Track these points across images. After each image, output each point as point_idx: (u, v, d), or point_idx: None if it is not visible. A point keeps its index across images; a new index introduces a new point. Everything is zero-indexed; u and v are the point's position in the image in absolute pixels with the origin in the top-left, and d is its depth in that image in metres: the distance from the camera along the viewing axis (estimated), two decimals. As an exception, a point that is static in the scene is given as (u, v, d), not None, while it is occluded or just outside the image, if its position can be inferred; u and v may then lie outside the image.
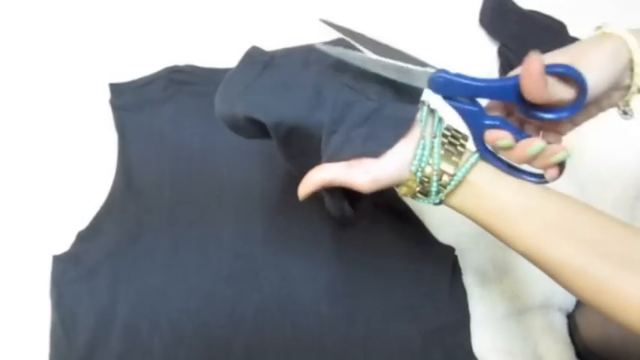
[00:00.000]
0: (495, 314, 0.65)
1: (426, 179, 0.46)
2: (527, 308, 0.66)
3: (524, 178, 0.46)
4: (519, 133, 0.45)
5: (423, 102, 0.49)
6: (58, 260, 0.63)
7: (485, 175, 0.46)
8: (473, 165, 0.45)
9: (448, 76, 0.46)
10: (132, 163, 0.70)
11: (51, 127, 0.73)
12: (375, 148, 0.46)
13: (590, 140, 0.78)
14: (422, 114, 0.48)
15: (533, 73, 0.41)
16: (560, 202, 0.44)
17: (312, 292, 0.65)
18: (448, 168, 0.45)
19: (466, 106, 0.46)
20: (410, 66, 0.47)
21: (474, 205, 0.46)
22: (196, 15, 0.85)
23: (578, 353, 0.65)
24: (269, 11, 0.88)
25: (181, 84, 0.77)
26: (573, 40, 0.87)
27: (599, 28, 0.47)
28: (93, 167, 0.71)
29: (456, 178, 0.45)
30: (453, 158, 0.45)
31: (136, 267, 0.64)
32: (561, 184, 0.73)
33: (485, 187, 0.45)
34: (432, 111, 0.49)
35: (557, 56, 0.45)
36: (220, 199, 0.69)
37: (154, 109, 0.75)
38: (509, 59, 0.85)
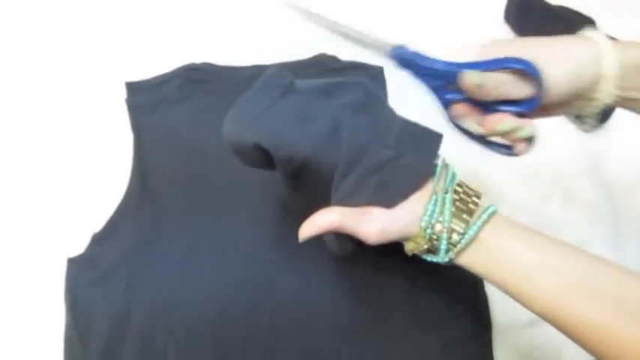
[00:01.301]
0: (518, 322, 0.63)
1: (435, 237, 0.44)
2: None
3: (493, 149, 0.46)
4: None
5: (438, 155, 0.47)
6: (72, 263, 0.63)
7: (497, 232, 0.44)
8: (485, 222, 0.43)
9: (405, 53, 0.47)
10: (147, 165, 0.69)
11: (66, 127, 0.73)
12: (389, 198, 0.44)
13: (617, 139, 0.75)
14: (436, 167, 0.46)
15: (467, 89, 0.42)
16: (578, 257, 0.42)
17: (331, 300, 0.63)
18: (459, 226, 0.43)
19: (429, 81, 0.47)
20: (373, 37, 0.47)
21: (486, 263, 0.44)
22: (212, 13, 0.84)
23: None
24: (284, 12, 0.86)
25: (198, 82, 0.76)
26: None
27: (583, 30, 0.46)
28: (108, 168, 0.70)
29: (466, 236, 0.43)
30: (464, 216, 0.43)
31: (151, 271, 0.63)
32: (586, 189, 0.71)
33: (498, 244, 0.43)
34: (445, 165, 0.47)
35: (525, 47, 0.44)
36: (237, 203, 0.68)
37: (170, 108, 0.74)
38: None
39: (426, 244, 0.45)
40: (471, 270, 0.45)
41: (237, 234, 0.66)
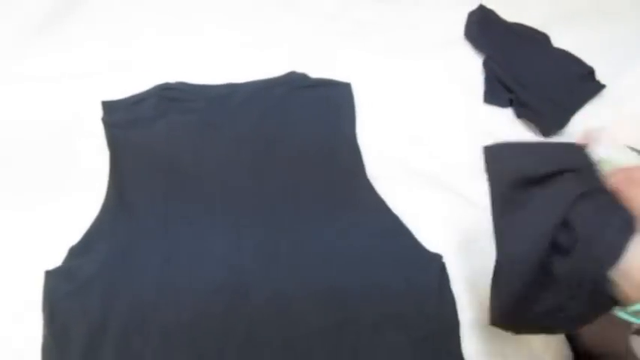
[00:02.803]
0: (485, 319, 0.66)
1: None
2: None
3: None
4: None
5: None
6: (50, 275, 0.64)
7: None
8: None
9: None
10: (124, 179, 0.72)
11: (43, 143, 0.75)
12: None
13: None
14: None
15: None
16: None
17: (303, 305, 0.65)
18: None
19: None
20: None
21: None
22: (188, 33, 0.88)
23: (576, 354, 0.65)
24: (257, 29, 0.90)
25: (172, 101, 0.79)
26: (556, 51, 0.90)
27: None
28: (84, 184, 0.72)
29: None
30: None
31: (128, 282, 0.65)
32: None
33: None
34: None
35: None
36: (212, 213, 0.70)
37: (146, 126, 0.76)
38: (494, 71, 0.86)
39: None
40: None
41: (213, 242, 0.68)
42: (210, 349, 0.62)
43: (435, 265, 0.68)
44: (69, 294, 0.63)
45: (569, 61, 0.89)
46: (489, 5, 0.95)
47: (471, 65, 0.88)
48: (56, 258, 0.65)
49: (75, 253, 0.66)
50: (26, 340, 0.61)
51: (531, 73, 0.87)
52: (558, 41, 0.91)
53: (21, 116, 0.77)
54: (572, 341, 0.66)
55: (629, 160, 0.43)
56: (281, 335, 0.63)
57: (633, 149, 0.82)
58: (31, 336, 0.61)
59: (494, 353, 0.65)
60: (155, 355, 0.61)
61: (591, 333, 0.64)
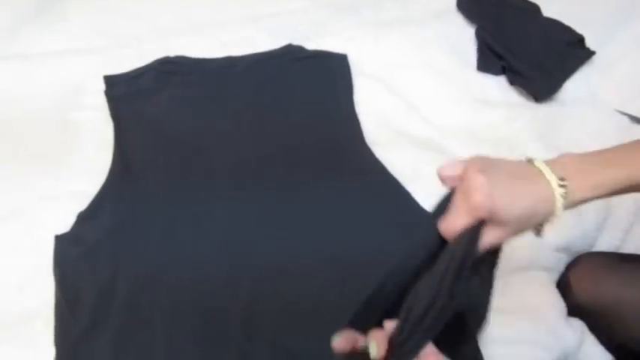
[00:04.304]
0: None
1: None
2: (514, 269, 0.68)
3: None
4: None
5: None
6: (59, 240, 0.66)
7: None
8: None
9: None
10: (128, 149, 0.73)
11: (48, 116, 0.76)
12: None
13: (562, 107, 0.82)
14: None
15: None
16: None
17: (305, 265, 0.67)
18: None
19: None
20: None
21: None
22: (186, 7, 0.89)
23: (570, 310, 0.67)
24: (254, 3, 0.92)
25: (172, 74, 0.80)
26: (546, 20, 0.92)
27: (529, 161, 0.48)
28: (89, 154, 0.73)
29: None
30: None
31: (134, 244, 0.67)
32: (539, 152, 0.76)
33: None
34: None
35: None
36: (212, 180, 0.72)
37: (147, 98, 0.78)
38: (486, 40, 0.88)
39: None
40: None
41: (214, 207, 0.70)
42: (216, 306, 0.64)
43: (433, 224, 0.70)
44: (78, 257, 0.65)
45: (559, 29, 0.91)
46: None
47: (464, 35, 0.90)
48: (65, 225, 0.67)
49: (83, 218, 0.68)
50: (39, 304, 0.63)
51: (522, 42, 0.88)
52: (549, 10, 0.93)
53: (27, 90, 0.78)
54: (566, 297, 0.68)
55: None
56: (283, 296, 0.65)
57: (622, 113, 0.84)
58: (44, 300, 0.63)
59: (493, 308, 0.66)
60: (163, 314, 0.63)
61: (582, 289, 0.66)
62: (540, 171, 0.47)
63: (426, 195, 0.72)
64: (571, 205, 0.47)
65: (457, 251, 0.46)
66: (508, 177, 0.46)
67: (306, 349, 0.62)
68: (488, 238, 0.45)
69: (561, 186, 0.46)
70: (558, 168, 0.46)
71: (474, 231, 0.45)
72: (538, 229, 0.49)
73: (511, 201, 0.45)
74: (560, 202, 0.46)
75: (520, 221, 0.46)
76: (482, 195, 0.44)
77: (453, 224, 0.47)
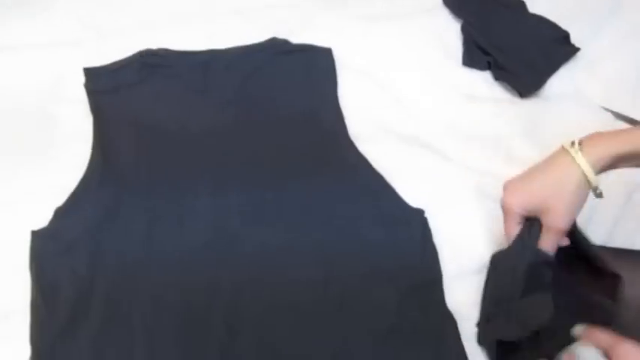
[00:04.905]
0: (467, 270, 0.68)
1: None
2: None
3: None
4: None
5: None
6: (36, 236, 0.64)
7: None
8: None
9: None
10: (108, 143, 0.72)
11: (26, 109, 0.75)
12: None
13: (547, 103, 0.82)
14: None
15: None
16: None
17: (289, 260, 0.66)
18: None
19: None
20: None
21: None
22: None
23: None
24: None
25: (155, 67, 0.79)
26: (532, 16, 0.91)
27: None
28: (68, 148, 0.72)
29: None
30: None
31: (115, 240, 0.65)
32: (523, 149, 0.76)
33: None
34: None
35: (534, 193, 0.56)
36: (196, 175, 0.71)
37: (129, 91, 0.77)
38: (472, 35, 0.88)
39: None
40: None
41: (197, 202, 0.69)
42: (198, 305, 0.63)
43: (417, 219, 0.70)
44: (56, 254, 0.64)
45: (544, 25, 0.90)
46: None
47: (450, 30, 0.89)
48: (42, 220, 0.66)
49: (61, 214, 0.66)
50: (14, 301, 0.62)
51: (508, 38, 0.88)
52: (534, 7, 0.93)
53: (5, 82, 0.77)
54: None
55: None
56: (267, 292, 0.64)
57: (607, 109, 0.84)
58: (19, 296, 0.62)
59: (477, 303, 0.66)
60: (144, 312, 0.62)
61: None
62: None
63: (411, 190, 0.72)
64: (599, 162, 0.53)
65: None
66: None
67: (290, 346, 0.62)
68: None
69: (573, 145, 0.55)
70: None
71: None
72: (595, 191, 0.55)
73: (554, 202, 0.54)
74: (579, 157, 0.53)
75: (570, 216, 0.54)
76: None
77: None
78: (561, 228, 0.55)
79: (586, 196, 0.55)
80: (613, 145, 0.54)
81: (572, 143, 0.56)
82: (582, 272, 0.59)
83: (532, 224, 0.57)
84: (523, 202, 0.55)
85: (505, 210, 0.57)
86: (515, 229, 0.57)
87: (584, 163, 0.54)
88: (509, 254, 0.59)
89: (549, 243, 0.56)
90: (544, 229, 0.56)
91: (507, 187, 0.58)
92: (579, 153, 0.54)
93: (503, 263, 0.60)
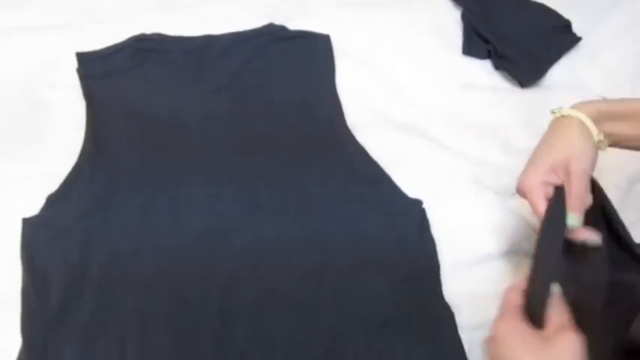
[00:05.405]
0: (464, 261, 0.67)
1: None
2: (495, 255, 0.68)
3: None
4: None
5: None
6: (27, 223, 0.64)
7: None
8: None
9: None
10: (101, 129, 0.71)
11: (18, 94, 0.74)
12: None
13: (546, 93, 0.81)
14: None
15: None
16: None
17: (284, 250, 0.66)
18: None
19: None
20: None
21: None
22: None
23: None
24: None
25: (148, 52, 0.77)
26: (533, 5, 0.90)
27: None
28: (60, 134, 0.71)
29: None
30: None
31: (108, 227, 0.64)
32: (522, 139, 0.75)
33: None
34: None
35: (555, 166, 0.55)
36: (190, 162, 0.70)
37: (122, 76, 0.75)
38: (472, 23, 0.87)
39: None
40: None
41: (191, 190, 0.68)
42: (191, 294, 0.62)
43: (415, 210, 0.69)
44: (47, 241, 0.63)
45: (545, 14, 0.89)
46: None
47: (450, 18, 0.88)
48: (33, 208, 0.64)
49: (52, 201, 0.65)
50: (5, 289, 0.61)
51: (509, 26, 0.87)
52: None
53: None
54: None
55: None
56: (262, 282, 0.64)
57: (603, 99, 0.83)
58: (11, 285, 0.61)
59: (473, 294, 0.66)
60: (137, 301, 0.61)
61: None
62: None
63: (408, 180, 0.71)
64: (590, 115, 0.55)
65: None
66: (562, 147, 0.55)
67: (284, 336, 0.61)
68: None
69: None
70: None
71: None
72: (599, 145, 0.56)
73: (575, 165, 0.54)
74: (572, 111, 0.55)
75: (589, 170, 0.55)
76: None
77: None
78: (584, 169, 0.54)
79: (593, 146, 0.55)
80: (598, 104, 0.57)
81: (560, 108, 0.58)
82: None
83: (557, 192, 0.56)
84: (538, 172, 0.55)
85: (527, 190, 0.56)
86: (543, 205, 0.55)
87: (576, 112, 0.55)
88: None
89: (576, 203, 0.55)
90: (568, 192, 0.55)
91: (520, 176, 0.57)
92: (570, 110, 0.56)
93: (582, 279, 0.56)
